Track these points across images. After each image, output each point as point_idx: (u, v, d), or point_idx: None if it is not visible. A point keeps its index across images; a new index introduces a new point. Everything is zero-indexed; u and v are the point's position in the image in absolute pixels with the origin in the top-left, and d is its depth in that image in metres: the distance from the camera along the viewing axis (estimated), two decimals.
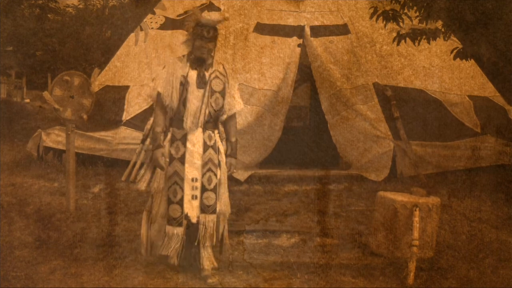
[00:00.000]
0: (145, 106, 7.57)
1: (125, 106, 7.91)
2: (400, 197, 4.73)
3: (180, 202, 3.98)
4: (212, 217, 4.06)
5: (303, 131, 9.66)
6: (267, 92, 7.68)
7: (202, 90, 4.01)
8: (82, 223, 5.36)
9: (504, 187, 6.73)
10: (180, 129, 4.05)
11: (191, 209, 3.99)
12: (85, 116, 5.86)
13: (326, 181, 7.06)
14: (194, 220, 4.00)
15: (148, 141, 7.45)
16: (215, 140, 4.11)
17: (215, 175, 4.06)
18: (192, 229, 4.04)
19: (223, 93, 4.09)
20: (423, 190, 4.93)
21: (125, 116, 7.80)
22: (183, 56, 4.14)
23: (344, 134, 7.80)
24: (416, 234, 4.44)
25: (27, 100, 16.95)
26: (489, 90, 8.64)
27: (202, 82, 4.02)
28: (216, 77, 4.08)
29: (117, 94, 8.06)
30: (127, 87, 8.15)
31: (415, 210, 4.53)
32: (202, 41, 3.99)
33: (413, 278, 4.22)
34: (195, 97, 4.00)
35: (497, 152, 7.73)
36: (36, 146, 7.96)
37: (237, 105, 4.22)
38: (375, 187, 6.72)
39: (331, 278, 4.30)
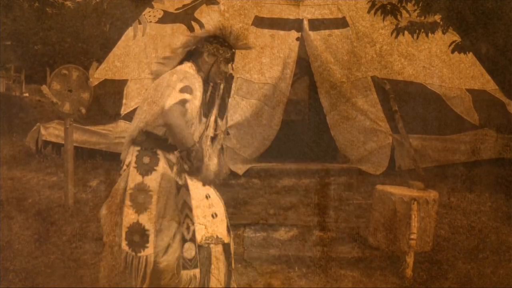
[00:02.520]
0: None
1: (124, 100, 7.91)
2: (398, 191, 4.73)
3: (193, 238, 3.19)
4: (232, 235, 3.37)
5: (302, 125, 9.64)
6: (265, 86, 7.68)
7: (204, 120, 3.24)
8: (81, 217, 5.37)
9: (504, 187, 6.72)
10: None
11: (217, 227, 3.24)
12: (83, 110, 5.85)
13: (325, 175, 7.06)
14: (227, 240, 3.25)
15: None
16: None
17: None
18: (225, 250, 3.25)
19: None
20: (421, 183, 4.93)
21: (124, 110, 7.80)
22: (192, 66, 3.20)
23: (342, 128, 7.79)
24: (414, 227, 4.44)
25: (26, 94, 16.91)
26: (489, 89, 8.63)
27: (208, 110, 3.27)
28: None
29: (116, 88, 8.05)
30: (126, 81, 8.14)
31: (413, 204, 4.53)
32: (225, 66, 3.25)
33: (411, 272, 4.22)
34: (198, 131, 3.22)
35: (497, 147, 7.72)
36: (35, 140, 7.95)
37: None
38: (373, 180, 6.71)
39: (329, 271, 4.31)
